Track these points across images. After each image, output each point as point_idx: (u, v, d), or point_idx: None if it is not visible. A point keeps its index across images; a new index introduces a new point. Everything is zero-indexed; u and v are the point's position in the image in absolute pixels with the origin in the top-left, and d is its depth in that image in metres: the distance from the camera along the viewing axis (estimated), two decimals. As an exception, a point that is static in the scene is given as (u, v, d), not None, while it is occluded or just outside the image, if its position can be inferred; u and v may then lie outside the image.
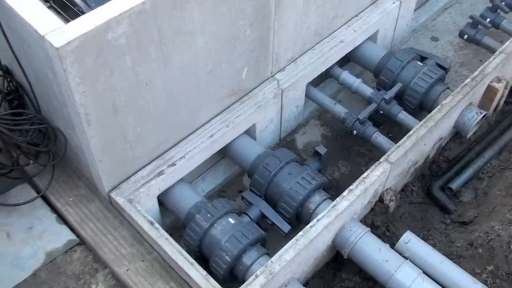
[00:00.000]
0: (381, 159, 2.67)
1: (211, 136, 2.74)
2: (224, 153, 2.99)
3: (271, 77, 2.98)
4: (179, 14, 2.18)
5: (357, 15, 3.29)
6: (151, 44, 2.16)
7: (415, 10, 3.73)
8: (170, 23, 2.17)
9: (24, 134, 2.43)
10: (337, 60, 3.26)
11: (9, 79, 2.54)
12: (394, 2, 3.42)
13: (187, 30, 2.27)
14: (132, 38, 2.06)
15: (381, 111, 3.13)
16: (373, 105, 3.07)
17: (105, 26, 1.93)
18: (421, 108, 3.19)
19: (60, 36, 1.87)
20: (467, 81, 3.00)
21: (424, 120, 2.82)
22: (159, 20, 2.12)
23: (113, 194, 2.51)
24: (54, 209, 2.59)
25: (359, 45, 3.35)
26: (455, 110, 2.96)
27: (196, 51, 2.39)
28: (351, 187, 2.56)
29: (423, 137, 2.77)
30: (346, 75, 3.28)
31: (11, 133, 2.39)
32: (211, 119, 2.78)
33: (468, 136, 3.14)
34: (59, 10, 2.24)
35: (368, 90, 3.20)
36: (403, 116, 3.08)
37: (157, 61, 2.24)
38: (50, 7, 2.08)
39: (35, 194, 2.60)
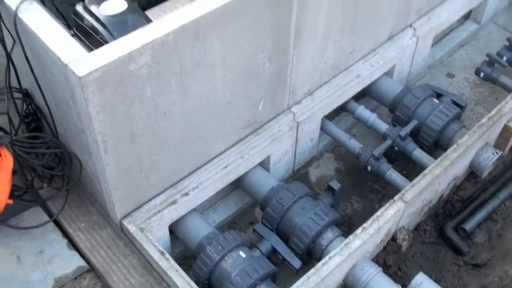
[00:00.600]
0: (395, 198, 2.65)
1: (225, 167, 2.73)
2: (237, 184, 2.98)
3: (288, 109, 2.98)
4: (200, 47, 2.19)
5: (374, 50, 3.30)
6: (172, 75, 2.17)
7: (431, 46, 3.74)
8: (191, 55, 2.18)
9: (40, 157, 2.43)
10: (353, 94, 3.27)
11: (28, 102, 2.56)
12: (411, 38, 3.44)
13: (208, 63, 2.29)
14: (154, 69, 2.07)
15: (396, 148, 3.11)
16: (388, 142, 3.06)
17: (127, 57, 1.95)
18: (437, 146, 3.17)
19: (83, 65, 1.88)
20: (483, 120, 2.99)
21: (439, 159, 2.80)
22: (181, 52, 2.13)
23: (125, 222, 2.50)
24: (65, 234, 2.58)
25: (375, 80, 3.36)
26: (471, 149, 2.94)
27: (215, 83, 2.40)
28: (364, 225, 2.54)
29: (438, 177, 2.75)
30: (361, 110, 3.28)
31: (27, 156, 2.40)
32: (226, 149, 2.78)
33: (483, 176, 3.12)
34: (82, 38, 2.26)
35: (383, 126, 3.19)
36: (418, 154, 3.07)
37: (176, 92, 2.24)
38: (73, 35, 2.09)
39: (47, 218, 2.59)
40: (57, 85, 2.15)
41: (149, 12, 2.64)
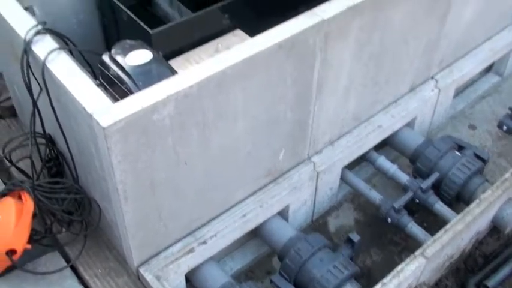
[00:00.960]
0: (416, 253, 2.60)
1: (244, 216, 2.72)
2: (255, 233, 2.95)
3: (308, 159, 2.97)
4: (223, 98, 2.21)
5: (395, 102, 3.30)
6: (194, 125, 2.18)
7: (453, 97, 3.73)
8: (214, 106, 2.20)
9: (60, 202, 2.45)
10: (374, 145, 3.25)
11: (51, 147, 2.59)
12: (432, 90, 3.43)
13: (230, 113, 2.30)
14: (176, 120, 2.09)
15: (417, 200, 3.08)
16: (409, 194, 3.02)
17: (151, 108, 1.97)
18: (458, 200, 3.13)
19: (107, 116, 1.90)
20: (507, 175, 2.95)
21: (462, 214, 2.76)
22: (204, 103, 2.15)
23: (141, 270, 2.48)
24: (81, 281, 2.56)
25: (396, 131, 3.35)
26: (494, 204, 2.89)
27: (236, 133, 2.41)
28: (384, 280, 2.49)
29: (461, 232, 2.70)
30: (382, 161, 3.26)
31: (48, 200, 2.41)
32: (246, 198, 2.77)
33: (506, 232, 3.06)
34: (107, 87, 2.29)
35: (404, 178, 3.16)
36: (440, 207, 3.02)
37: (198, 142, 2.25)
38: (99, 84, 2.12)
39: (65, 263, 2.58)
40: (80, 133, 2.17)
41: (173, 62, 2.69)
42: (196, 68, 2.12)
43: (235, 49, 2.19)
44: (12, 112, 3.19)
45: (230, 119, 2.32)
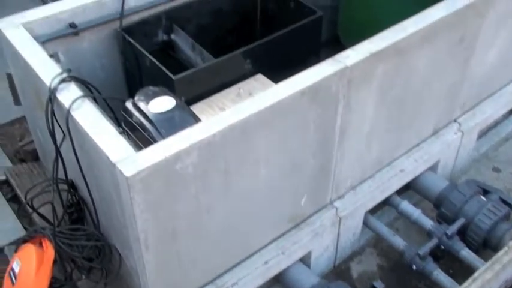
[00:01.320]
0: (444, 303, 2.52)
1: (266, 263, 2.67)
2: (276, 279, 2.89)
3: (330, 204, 2.93)
4: (246, 145, 2.20)
5: (418, 145, 3.26)
6: (216, 173, 2.16)
7: (476, 140, 3.68)
8: (237, 154, 2.18)
9: (80, 249, 2.43)
10: (397, 189, 3.20)
11: (72, 193, 2.58)
12: (456, 133, 3.39)
13: (252, 160, 2.28)
14: (199, 168, 2.07)
15: (442, 246, 3.00)
16: (435, 241, 2.95)
17: (174, 157, 1.95)
18: (485, 246, 3.05)
19: (130, 165, 1.89)
20: (534, 221, 2.88)
21: (490, 262, 2.68)
22: (227, 150, 2.13)
23: (161, 318, 2.43)
24: (101, 328, 2.53)
25: (419, 174, 3.30)
26: (523, 252, 2.81)
27: (259, 179, 2.38)
28: (411, 332, 2.41)
29: (489, 281, 2.62)
30: (405, 205, 3.20)
31: (68, 248, 2.39)
32: (267, 244, 2.73)
33: (536, 280, 2.96)
34: (130, 133, 2.29)
35: (428, 223, 3.10)
36: (466, 254, 2.95)
37: (220, 189, 2.23)
38: (121, 132, 2.12)
39: (84, 311, 2.55)
40: (103, 180, 2.17)
41: (195, 107, 2.70)
42: (219, 115, 2.11)
43: (258, 96, 2.19)
44: (34, 156, 3.21)
45: (253, 165, 2.30)
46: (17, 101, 2.88)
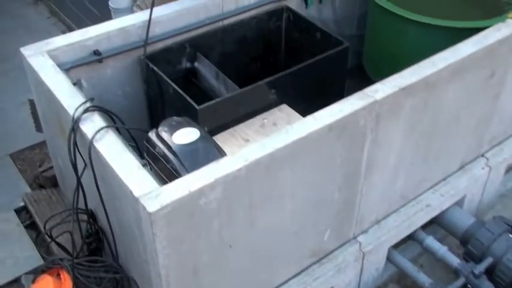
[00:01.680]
0: None
1: (287, 299, 2.60)
2: (297, 316, 2.81)
3: (353, 238, 2.85)
4: (272, 180, 2.14)
5: (444, 180, 3.18)
6: (240, 208, 2.11)
7: (503, 175, 3.59)
8: (262, 188, 2.13)
9: (98, 281, 2.38)
10: (422, 224, 3.12)
11: (92, 223, 2.54)
12: (483, 168, 3.31)
13: (277, 194, 2.23)
14: (223, 203, 2.02)
15: (469, 285, 2.90)
16: (462, 280, 2.86)
17: (199, 192, 1.90)
18: (514, 286, 2.95)
19: (154, 200, 1.84)
20: None
21: (520, 305, 2.58)
22: (252, 185, 2.08)
23: None
24: None
25: (445, 210, 3.21)
26: (554, 294, 2.71)
27: (283, 214, 2.32)
28: None
29: (519, 325, 2.52)
30: (431, 241, 3.11)
31: (86, 279, 2.35)
32: (289, 279, 2.65)
33: None
34: (152, 164, 2.25)
35: (454, 260, 3.00)
36: (494, 294, 2.85)
37: (243, 224, 2.17)
38: (144, 164, 2.08)
39: None
40: (124, 213, 2.12)
41: (219, 137, 2.66)
42: (244, 149, 2.06)
43: (285, 130, 2.13)
44: (53, 182, 3.18)
45: (277, 200, 2.25)
46: (38, 127, 2.86)
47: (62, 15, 5.11)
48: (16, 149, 3.65)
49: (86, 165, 2.21)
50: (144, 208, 1.82)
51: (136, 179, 1.94)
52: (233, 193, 2.03)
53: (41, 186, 3.25)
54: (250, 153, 2.03)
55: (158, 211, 1.82)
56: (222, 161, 2.01)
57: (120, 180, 1.95)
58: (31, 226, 3.06)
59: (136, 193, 1.87)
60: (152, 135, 2.27)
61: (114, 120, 2.31)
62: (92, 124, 2.16)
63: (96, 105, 2.25)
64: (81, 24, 4.76)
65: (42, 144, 3.49)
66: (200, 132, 2.25)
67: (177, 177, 2.06)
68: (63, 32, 4.96)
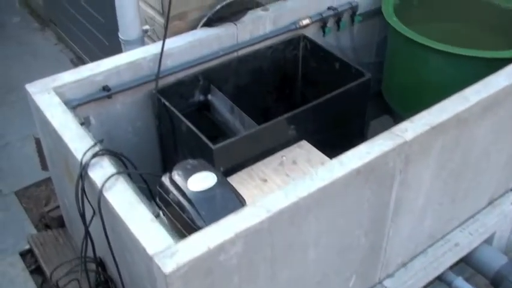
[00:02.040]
0: None
1: None
2: None
3: (379, 283, 2.67)
4: (295, 230, 1.98)
5: (472, 217, 3.00)
6: (261, 261, 1.94)
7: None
8: (285, 239, 1.96)
9: (107, 334, 2.21)
10: (450, 264, 2.94)
11: (101, 271, 2.38)
12: (512, 203, 3.14)
13: (301, 244, 2.06)
14: (244, 257, 1.85)
15: (503, 332, 2.72)
16: (495, 327, 2.67)
17: (218, 248, 1.74)
18: (550, 332, 2.76)
19: (169, 259, 1.67)
20: None
21: None
22: (274, 237, 1.91)
23: None
24: None
25: (474, 248, 3.03)
26: None
27: (306, 263, 2.15)
28: None
29: None
30: (460, 283, 2.93)
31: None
32: (313, 330, 2.47)
33: None
34: (166, 211, 2.09)
35: (486, 304, 2.82)
36: None
37: (265, 278, 2.00)
38: (157, 216, 1.92)
39: None
40: (136, 268, 1.95)
41: (235, 177, 2.51)
42: (266, 198, 1.90)
43: (309, 177, 1.97)
44: (60, 222, 3.02)
45: (301, 250, 2.08)
46: (44, 166, 2.71)
47: (70, 42, 5.00)
48: (21, 186, 3.51)
49: (94, 213, 2.05)
50: (159, 268, 1.66)
51: (150, 234, 1.78)
52: (254, 247, 1.86)
53: (47, 226, 3.10)
54: (272, 203, 1.87)
55: (175, 272, 1.65)
56: (243, 213, 1.84)
57: (132, 235, 1.79)
58: (36, 271, 2.90)
59: (150, 251, 1.71)
60: (166, 180, 2.11)
61: (125, 164, 2.16)
62: (102, 170, 2.01)
63: (106, 149, 2.10)
64: (89, 52, 4.64)
65: (48, 180, 3.34)
66: (217, 177, 2.08)
67: (193, 227, 1.91)
68: (71, 60, 4.85)
